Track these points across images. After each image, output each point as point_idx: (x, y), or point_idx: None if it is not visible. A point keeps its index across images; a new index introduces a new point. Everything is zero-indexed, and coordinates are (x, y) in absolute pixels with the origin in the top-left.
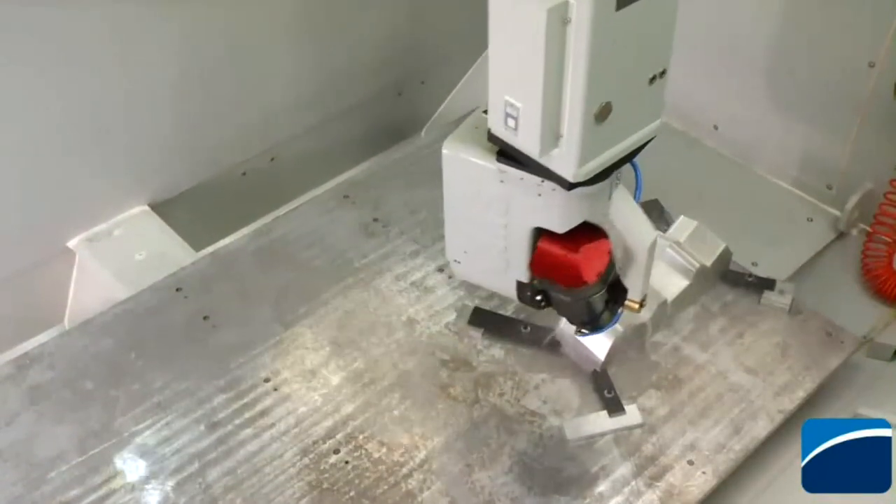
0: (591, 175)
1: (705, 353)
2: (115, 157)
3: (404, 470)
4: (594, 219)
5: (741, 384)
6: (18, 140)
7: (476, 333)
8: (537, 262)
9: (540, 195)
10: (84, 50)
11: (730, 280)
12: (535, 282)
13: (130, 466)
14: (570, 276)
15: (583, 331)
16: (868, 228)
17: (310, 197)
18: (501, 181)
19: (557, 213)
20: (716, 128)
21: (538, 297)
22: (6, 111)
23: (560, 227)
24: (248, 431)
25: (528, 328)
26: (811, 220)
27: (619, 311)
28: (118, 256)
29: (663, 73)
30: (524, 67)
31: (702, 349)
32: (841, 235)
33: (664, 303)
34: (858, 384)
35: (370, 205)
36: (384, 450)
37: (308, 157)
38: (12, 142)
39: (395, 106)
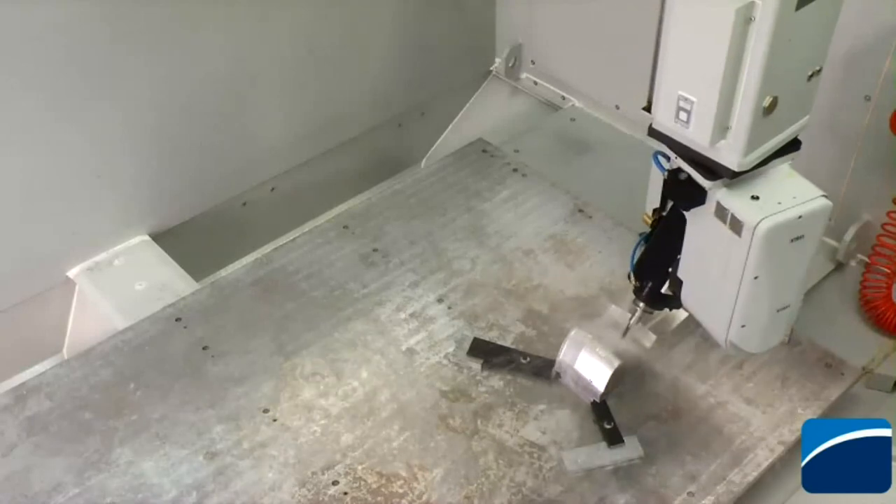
0: (751, 166)
1: (705, 385)
2: (116, 186)
3: (403, 502)
4: None
5: (741, 415)
6: (19, 169)
7: (475, 364)
8: None
9: None
10: (84, 81)
11: None
12: None
13: (128, 498)
14: None
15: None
16: (866, 259)
17: (310, 227)
18: None
19: None
20: None
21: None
22: (7, 141)
23: None
24: (247, 462)
25: (528, 359)
26: None
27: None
28: (118, 286)
29: (819, 70)
30: (704, 63)
31: (701, 380)
32: (839, 266)
33: (664, 334)
34: (858, 415)
35: (370, 235)
36: (383, 481)
37: (308, 187)
38: (13, 171)
39: (395, 137)
